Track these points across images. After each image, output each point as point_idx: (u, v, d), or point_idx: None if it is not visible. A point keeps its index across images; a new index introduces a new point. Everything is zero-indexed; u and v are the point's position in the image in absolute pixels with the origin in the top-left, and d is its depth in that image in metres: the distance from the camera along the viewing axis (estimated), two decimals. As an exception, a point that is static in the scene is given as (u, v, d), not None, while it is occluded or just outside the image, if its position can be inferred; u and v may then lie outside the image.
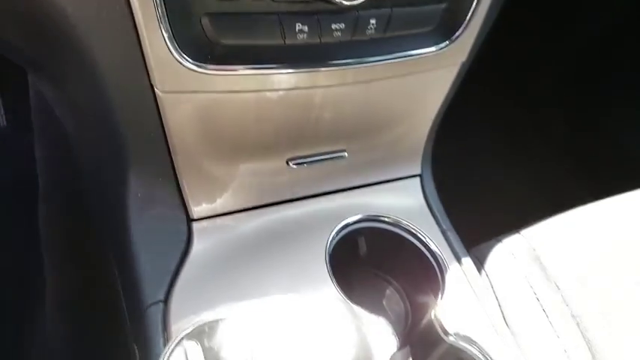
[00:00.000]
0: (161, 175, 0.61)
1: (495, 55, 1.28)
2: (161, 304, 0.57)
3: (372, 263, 0.73)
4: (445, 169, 0.85)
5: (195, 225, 0.64)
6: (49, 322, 0.94)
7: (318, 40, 0.51)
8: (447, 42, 0.58)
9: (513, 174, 1.45)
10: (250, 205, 0.67)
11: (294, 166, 0.65)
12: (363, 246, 0.72)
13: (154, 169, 0.61)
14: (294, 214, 0.69)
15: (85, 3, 0.46)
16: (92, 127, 0.67)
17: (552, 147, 1.56)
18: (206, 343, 0.38)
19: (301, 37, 0.50)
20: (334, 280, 0.64)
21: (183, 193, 0.62)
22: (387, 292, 0.73)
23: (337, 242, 0.68)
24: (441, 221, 0.73)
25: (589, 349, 0.69)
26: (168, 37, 0.47)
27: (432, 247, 0.69)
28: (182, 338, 0.38)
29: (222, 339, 0.38)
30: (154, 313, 0.57)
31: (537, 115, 1.60)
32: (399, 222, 0.71)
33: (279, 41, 0.50)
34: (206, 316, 0.39)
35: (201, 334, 0.38)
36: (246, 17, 0.48)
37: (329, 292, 0.60)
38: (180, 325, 0.54)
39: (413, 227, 0.70)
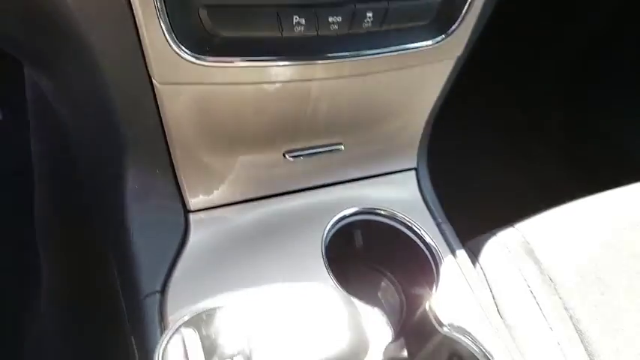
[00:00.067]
0: (158, 167, 0.61)
1: (493, 52, 1.29)
2: (158, 295, 0.58)
3: (368, 256, 0.73)
4: (441, 163, 0.86)
5: (192, 216, 0.64)
6: (45, 313, 0.94)
7: (315, 33, 0.51)
8: (443, 36, 0.58)
9: (508, 169, 1.46)
10: (247, 197, 0.67)
11: (291, 159, 0.65)
12: (358, 238, 0.73)
13: (151, 160, 0.61)
14: (290, 206, 0.69)
15: (84, -5, 0.46)
16: (90, 119, 0.67)
17: (547, 143, 1.57)
18: (203, 331, 0.38)
19: (298, 30, 0.50)
20: (330, 272, 0.64)
21: (180, 184, 0.63)
22: (382, 284, 0.74)
23: (333, 235, 0.69)
24: (436, 214, 0.73)
25: (581, 341, 0.70)
26: (167, 29, 0.47)
27: (427, 239, 0.70)
28: (180, 326, 0.39)
29: (219, 327, 0.38)
30: (151, 304, 0.57)
31: (533, 112, 1.60)
32: (395, 215, 0.71)
33: (276, 34, 0.50)
34: (203, 305, 0.39)
35: (198, 322, 0.39)
36: (244, 9, 0.48)
37: (325, 282, 0.60)
38: (177, 315, 0.55)
39: (408, 220, 0.71)
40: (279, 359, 0.37)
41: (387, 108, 0.67)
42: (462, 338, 0.62)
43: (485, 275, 0.73)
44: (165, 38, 0.48)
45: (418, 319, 0.65)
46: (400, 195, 0.74)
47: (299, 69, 0.55)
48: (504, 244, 0.76)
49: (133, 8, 0.46)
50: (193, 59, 0.50)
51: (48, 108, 0.89)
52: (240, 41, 0.51)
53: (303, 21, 0.50)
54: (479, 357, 0.61)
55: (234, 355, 0.37)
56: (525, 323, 0.69)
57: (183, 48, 0.49)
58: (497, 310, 0.69)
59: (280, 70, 0.54)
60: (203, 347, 0.37)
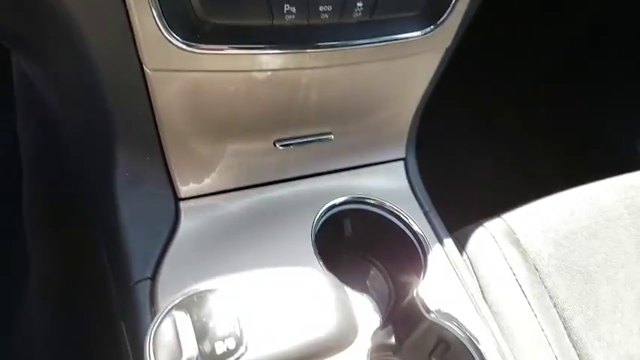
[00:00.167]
0: (149, 154, 0.61)
1: (482, 44, 1.30)
2: (149, 281, 0.58)
3: (357, 244, 0.74)
4: (429, 155, 0.86)
5: (182, 204, 0.64)
6: (34, 301, 0.94)
7: (306, 22, 0.52)
8: (432, 27, 0.59)
9: (496, 161, 1.47)
10: (237, 185, 0.68)
11: (281, 148, 0.66)
12: (348, 227, 0.73)
13: (141, 148, 0.61)
14: (280, 194, 0.69)
15: (75, -20, 0.46)
16: (79, 107, 0.67)
17: (534, 135, 1.58)
18: (195, 313, 0.38)
19: (289, 18, 0.51)
20: (320, 259, 0.65)
21: (170, 172, 0.63)
22: (371, 272, 0.75)
23: (323, 223, 0.69)
24: (423, 204, 0.74)
25: (565, 328, 0.72)
26: (158, 15, 0.47)
27: (415, 227, 0.70)
28: (171, 308, 0.39)
29: (210, 309, 0.38)
30: (142, 290, 0.57)
31: (521, 103, 1.62)
32: (383, 204, 0.72)
33: (267, 21, 0.51)
34: (194, 288, 0.40)
35: (189, 304, 0.39)
36: (235, -4, 0.49)
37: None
38: (168, 300, 0.55)
39: (397, 209, 0.72)
40: (269, 341, 0.37)
41: (376, 98, 0.68)
42: (449, 324, 0.63)
43: (471, 264, 0.74)
44: (157, 24, 0.48)
45: (406, 306, 0.67)
46: (389, 185, 0.75)
47: (289, 57, 0.55)
48: (491, 234, 0.77)
49: (124, -6, 0.46)
50: (184, 46, 0.50)
51: (36, 96, 0.88)
52: (231, 28, 0.51)
53: (293, 9, 0.50)
54: (465, 342, 0.62)
55: (225, 337, 0.37)
56: (511, 311, 0.71)
57: (174, 34, 0.49)
58: (484, 297, 0.71)
59: (271, 59, 0.55)
60: (194, 329, 0.38)
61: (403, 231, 0.71)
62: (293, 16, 0.51)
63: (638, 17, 1.41)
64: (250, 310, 0.38)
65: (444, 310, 0.63)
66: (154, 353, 0.38)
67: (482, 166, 1.45)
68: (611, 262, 0.77)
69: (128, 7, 0.47)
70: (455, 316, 0.63)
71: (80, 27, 0.51)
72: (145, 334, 0.39)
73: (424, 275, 0.67)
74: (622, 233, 0.79)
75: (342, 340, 0.39)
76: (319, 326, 0.38)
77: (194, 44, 0.50)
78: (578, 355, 0.71)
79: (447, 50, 0.65)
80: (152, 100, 0.56)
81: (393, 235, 0.72)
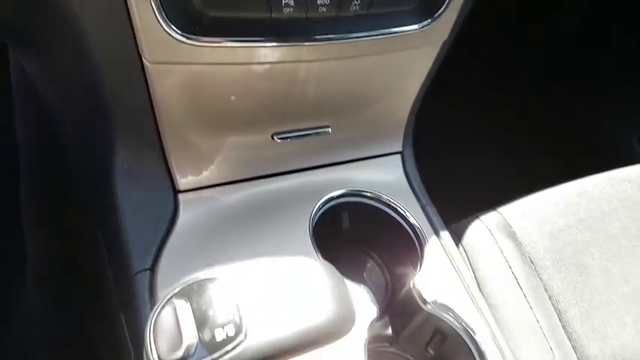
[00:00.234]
0: (148, 147, 0.61)
1: (481, 41, 1.31)
2: (148, 272, 0.59)
3: (354, 237, 0.75)
4: (426, 148, 0.87)
5: (181, 197, 0.65)
6: (32, 292, 0.94)
7: (304, 15, 0.52)
8: (429, 20, 0.60)
9: (492, 155, 1.48)
10: (236, 178, 0.68)
11: (279, 141, 0.66)
12: (345, 220, 0.74)
13: (140, 140, 0.61)
14: (278, 187, 0.70)
15: (74, -28, 0.47)
16: (78, 101, 0.67)
17: (530, 130, 1.59)
18: (194, 301, 0.39)
19: (287, 11, 0.51)
20: (318, 252, 0.66)
21: (169, 164, 0.63)
22: (368, 265, 0.75)
23: (320, 216, 0.70)
24: (420, 197, 0.75)
25: (560, 320, 0.73)
26: (157, 8, 0.48)
27: (412, 220, 0.71)
28: (171, 297, 0.40)
29: (210, 297, 0.39)
30: (141, 281, 0.58)
31: (519, 100, 1.63)
32: (380, 197, 0.73)
33: (265, 14, 0.51)
34: (194, 276, 0.40)
35: (189, 292, 0.40)
36: (234, -11, 0.49)
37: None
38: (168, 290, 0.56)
39: (393, 202, 0.72)
40: (269, 327, 0.38)
41: (373, 91, 0.68)
42: (445, 315, 0.64)
43: (468, 256, 0.75)
44: (156, 17, 0.48)
45: (403, 298, 0.67)
46: (386, 178, 0.76)
47: (287, 50, 0.56)
48: (487, 227, 0.77)
49: (124, -14, 0.47)
50: (183, 39, 0.50)
51: (33, 91, 0.88)
52: (230, 21, 0.51)
53: (292, 2, 0.50)
54: (461, 333, 0.63)
55: (225, 324, 0.38)
56: (507, 303, 0.72)
57: (173, 27, 0.49)
58: (480, 289, 0.71)
59: (269, 51, 0.55)
60: (194, 316, 0.38)
61: (400, 223, 0.72)
62: (291, 9, 0.51)
63: (636, 16, 1.42)
64: (250, 298, 0.39)
65: (441, 301, 0.64)
66: (154, 341, 0.39)
67: (479, 161, 1.46)
68: (605, 255, 0.77)
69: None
70: (451, 307, 0.64)
71: (79, 20, 0.51)
72: (145, 323, 0.40)
73: (421, 267, 0.67)
74: (617, 226, 0.80)
75: (340, 326, 0.40)
76: (318, 313, 0.39)
77: (193, 37, 0.50)
78: (573, 347, 0.72)
79: (444, 43, 0.65)
80: (151, 93, 0.56)
81: (390, 227, 0.72)
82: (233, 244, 0.63)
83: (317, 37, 0.55)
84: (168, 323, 0.39)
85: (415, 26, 0.59)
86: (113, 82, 0.56)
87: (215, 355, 0.37)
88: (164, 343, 0.38)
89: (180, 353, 0.37)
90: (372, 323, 0.61)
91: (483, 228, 0.77)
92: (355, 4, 0.54)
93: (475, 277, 0.73)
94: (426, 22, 0.59)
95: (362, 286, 0.63)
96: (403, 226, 0.71)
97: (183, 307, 0.39)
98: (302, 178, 0.72)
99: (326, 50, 0.57)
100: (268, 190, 0.69)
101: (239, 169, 0.68)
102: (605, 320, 0.74)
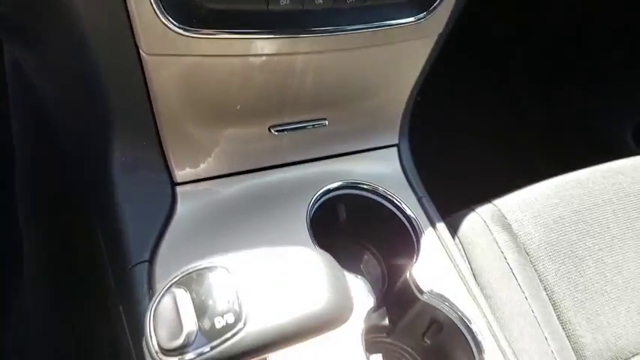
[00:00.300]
0: (145, 140, 0.62)
1: (475, 32, 1.31)
2: (146, 264, 0.59)
3: (351, 229, 0.75)
4: (422, 142, 0.87)
5: (178, 189, 0.65)
6: (30, 285, 0.94)
7: (301, 7, 0.53)
8: (425, 13, 0.60)
9: (487, 149, 1.48)
10: (233, 170, 0.68)
11: (276, 133, 0.66)
12: (342, 212, 0.74)
13: (138, 133, 0.61)
14: (276, 180, 0.70)
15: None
16: (75, 93, 0.67)
17: (526, 124, 1.60)
18: (194, 290, 0.39)
19: (284, 3, 0.52)
20: (315, 243, 0.66)
21: (167, 157, 0.63)
22: (365, 257, 0.76)
23: (317, 209, 0.70)
24: (416, 189, 0.75)
25: (554, 309, 0.73)
26: (155, 0, 0.48)
27: (408, 212, 0.71)
28: (171, 286, 0.40)
29: (209, 285, 0.39)
30: (140, 273, 0.58)
31: (514, 95, 1.63)
32: (377, 189, 0.73)
33: (262, 6, 0.51)
34: (193, 265, 0.41)
35: (189, 281, 0.40)
36: (231, -19, 0.50)
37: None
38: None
39: (390, 194, 0.73)
40: (268, 315, 0.38)
41: (369, 84, 0.69)
42: (442, 305, 0.65)
43: (463, 248, 0.75)
44: (153, 9, 0.48)
45: (399, 289, 0.68)
46: (383, 170, 0.76)
47: (284, 42, 0.56)
48: (482, 219, 0.78)
49: (121, -22, 0.47)
50: (181, 30, 0.50)
51: (28, 85, 0.88)
52: (227, 13, 0.52)
53: (288, -6, 0.51)
54: (457, 322, 0.64)
55: (224, 312, 0.38)
56: (502, 293, 0.72)
57: (171, 19, 0.49)
58: (476, 280, 0.72)
59: (266, 44, 0.55)
60: (194, 305, 0.39)
61: (396, 215, 0.72)
62: (288, 1, 0.51)
63: (626, 11, 1.42)
64: (249, 286, 0.39)
65: (437, 291, 0.64)
66: (154, 329, 0.39)
67: (475, 154, 1.46)
68: (599, 246, 0.78)
69: (125, -9, 0.48)
70: (447, 297, 0.65)
71: (77, 12, 0.51)
72: (144, 314, 0.40)
73: (417, 258, 0.68)
74: (610, 218, 0.81)
75: (338, 314, 0.40)
76: (316, 300, 0.39)
77: (190, 29, 0.51)
78: (567, 336, 0.73)
79: (440, 36, 0.66)
80: (148, 84, 0.56)
81: (387, 219, 0.73)
82: (230, 237, 0.64)
83: (313, 29, 0.56)
84: (168, 312, 0.39)
85: (411, 19, 0.60)
86: (110, 74, 0.56)
87: (215, 343, 0.37)
88: (164, 332, 0.38)
89: (180, 341, 0.38)
90: (368, 314, 0.62)
91: (479, 220, 0.78)
92: (352, -3, 0.54)
93: (471, 269, 0.73)
94: (421, 15, 0.60)
95: (359, 277, 0.64)
96: (399, 218, 0.72)
97: (182, 295, 0.39)
98: (299, 170, 0.72)
99: (322, 42, 0.58)
100: (265, 183, 0.70)
101: (236, 162, 0.68)
102: (599, 310, 0.75)
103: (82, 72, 0.59)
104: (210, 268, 0.40)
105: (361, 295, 0.62)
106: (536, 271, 0.75)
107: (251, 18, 0.52)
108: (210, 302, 0.39)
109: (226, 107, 0.62)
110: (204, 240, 0.63)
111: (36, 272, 0.95)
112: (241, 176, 0.69)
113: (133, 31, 0.51)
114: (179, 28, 0.50)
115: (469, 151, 1.45)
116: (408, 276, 0.64)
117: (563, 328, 0.73)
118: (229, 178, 0.68)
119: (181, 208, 0.64)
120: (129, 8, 0.49)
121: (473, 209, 0.80)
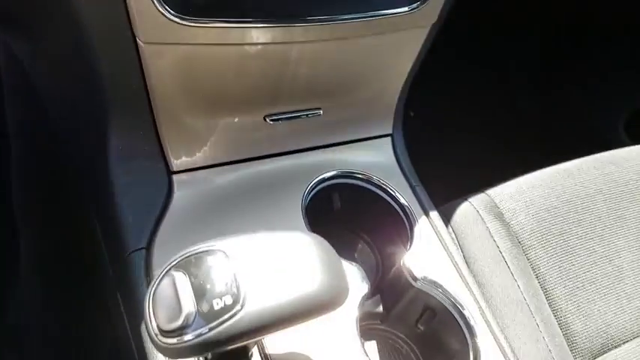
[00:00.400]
0: (142, 128, 0.62)
1: (470, 25, 1.32)
2: (144, 251, 0.59)
3: (345, 218, 0.76)
4: (415, 132, 0.88)
5: (175, 177, 0.65)
6: (27, 273, 0.94)
7: (296, -4, 0.53)
8: (418, 3, 0.61)
9: (481, 139, 1.49)
10: (229, 159, 0.69)
11: (271, 122, 0.67)
12: (336, 201, 0.75)
13: (134, 121, 0.62)
14: (271, 168, 0.71)
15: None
16: (70, 82, 0.68)
17: (520, 116, 1.61)
18: (192, 273, 0.40)
19: (279, -7, 0.52)
20: (310, 231, 0.67)
21: (163, 145, 0.64)
22: (359, 245, 0.77)
23: (312, 197, 0.71)
24: (410, 178, 0.76)
25: (546, 298, 0.74)
26: (151, -12, 0.48)
27: (402, 200, 0.72)
28: (170, 269, 0.41)
29: (207, 268, 0.40)
30: (137, 259, 0.59)
31: (507, 85, 1.64)
32: (371, 178, 0.74)
33: (257, -5, 0.52)
34: (191, 248, 0.41)
35: (187, 264, 0.41)
36: (227, -30, 0.50)
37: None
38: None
39: (384, 183, 0.73)
40: (266, 297, 0.39)
41: (364, 73, 0.69)
42: (435, 291, 0.65)
43: (456, 237, 0.76)
44: (150, -3, 0.49)
45: (393, 276, 0.69)
46: (377, 160, 0.77)
47: (279, 31, 0.57)
48: (475, 208, 0.79)
49: (118, -34, 0.47)
50: (177, 19, 0.51)
51: (24, 75, 0.88)
52: (223, 2, 0.52)
53: (284, -17, 0.51)
54: (450, 308, 0.65)
55: (223, 295, 0.39)
56: (494, 281, 0.73)
57: (168, 7, 0.50)
58: (468, 267, 0.73)
59: (261, 32, 0.56)
60: (192, 287, 0.39)
61: (390, 204, 0.73)
62: (283, -9, 0.52)
63: (622, 5, 1.43)
64: (247, 269, 0.40)
65: (430, 277, 0.65)
66: (153, 311, 0.40)
67: (468, 144, 1.47)
68: (590, 235, 0.79)
69: (122, -20, 0.48)
70: (440, 283, 0.66)
71: (74, 1, 0.51)
72: (142, 301, 0.41)
73: (410, 246, 0.69)
74: (601, 207, 0.82)
75: (334, 296, 0.41)
76: (312, 282, 0.40)
77: (187, 17, 0.51)
78: (559, 324, 0.74)
79: (434, 26, 0.66)
80: (145, 73, 0.56)
81: (381, 208, 0.74)
82: (226, 224, 0.64)
83: (308, 18, 0.56)
84: (167, 294, 0.39)
85: (405, 8, 0.60)
86: (108, 63, 0.57)
87: (213, 324, 0.38)
88: (163, 314, 0.39)
89: (179, 322, 0.38)
90: (363, 301, 0.63)
91: (472, 209, 0.79)
92: (346, -14, 0.54)
93: (464, 256, 0.74)
94: (415, 5, 0.61)
95: (353, 264, 0.64)
96: (393, 207, 0.73)
97: (181, 278, 0.40)
98: (294, 159, 0.72)
99: (317, 31, 0.58)
100: (261, 172, 0.70)
101: (232, 151, 0.69)
102: (590, 298, 0.76)
103: (77, 61, 0.59)
104: (208, 252, 0.41)
105: (356, 281, 0.62)
106: (528, 259, 0.76)
107: (247, 7, 0.53)
108: (209, 285, 0.39)
109: (222, 96, 0.62)
110: (201, 227, 0.63)
111: (32, 265, 0.95)
112: (237, 165, 0.69)
113: (130, 20, 0.51)
114: (176, 16, 0.51)
115: (462, 142, 1.46)
116: (401, 263, 0.65)
117: (555, 316, 0.74)
118: (225, 167, 0.68)
119: (178, 196, 0.65)
120: (126, -4, 0.49)
121: (466, 199, 0.81)
